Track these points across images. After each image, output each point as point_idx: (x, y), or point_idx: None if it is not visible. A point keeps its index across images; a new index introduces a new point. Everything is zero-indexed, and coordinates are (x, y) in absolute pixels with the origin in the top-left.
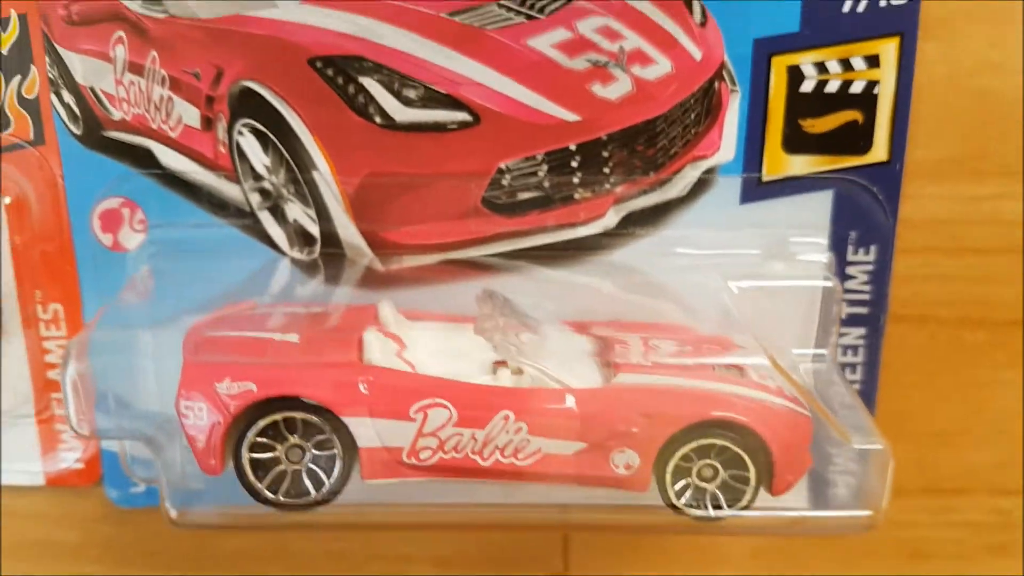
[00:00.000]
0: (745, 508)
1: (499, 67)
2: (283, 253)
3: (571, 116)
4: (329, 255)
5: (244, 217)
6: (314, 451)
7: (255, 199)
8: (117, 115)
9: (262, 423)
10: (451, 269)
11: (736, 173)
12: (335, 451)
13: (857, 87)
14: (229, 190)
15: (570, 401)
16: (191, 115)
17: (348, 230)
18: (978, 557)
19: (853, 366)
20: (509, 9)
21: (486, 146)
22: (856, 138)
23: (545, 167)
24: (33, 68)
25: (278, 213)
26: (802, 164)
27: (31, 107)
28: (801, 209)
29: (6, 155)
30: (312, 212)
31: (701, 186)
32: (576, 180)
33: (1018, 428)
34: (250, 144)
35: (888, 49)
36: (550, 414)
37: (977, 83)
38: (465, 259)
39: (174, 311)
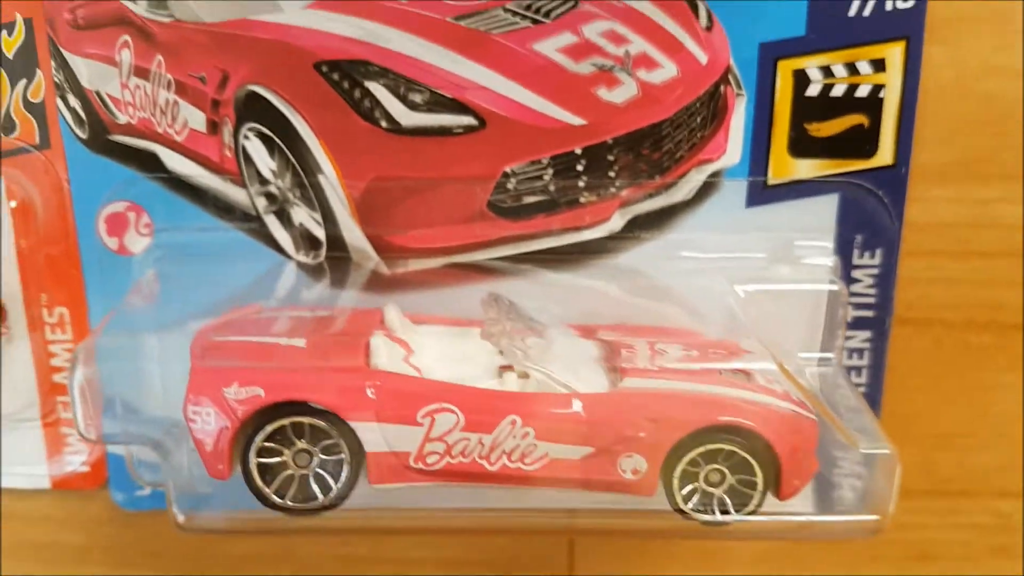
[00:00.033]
0: (752, 513)
1: (505, 71)
2: (289, 257)
3: (576, 120)
4: (335, 259)
5: (250, 221)
6: (321, 456)
7: (261, 203)
8: (123, 119)
9: (270, 428)
10: (456, 273)
11: (742, 177)
12: (342, 456)
13: (863, 91)
14: (235, 194)
15: (577, 406)
16: (197, 119)
17: (354, 234)
18: (982, 559)
19: (858, 369)
20: (515, 13)
21: (492, 150)
22: (862, 142)
23: (551, 171)
24: (39, 72)
25: (284, 217)
26: (808, 168)
27: (37, 111)
28: (807, 213)
29: (12, 159)
30: (318, 216)
31: (707, 190)
32: (582, 184)
33: (1019, 431)
34: (256, 148)
35: (894, 53)
36: (557, 419)
37: (983, 87)
38: (470, 263)
39: (180, 315)
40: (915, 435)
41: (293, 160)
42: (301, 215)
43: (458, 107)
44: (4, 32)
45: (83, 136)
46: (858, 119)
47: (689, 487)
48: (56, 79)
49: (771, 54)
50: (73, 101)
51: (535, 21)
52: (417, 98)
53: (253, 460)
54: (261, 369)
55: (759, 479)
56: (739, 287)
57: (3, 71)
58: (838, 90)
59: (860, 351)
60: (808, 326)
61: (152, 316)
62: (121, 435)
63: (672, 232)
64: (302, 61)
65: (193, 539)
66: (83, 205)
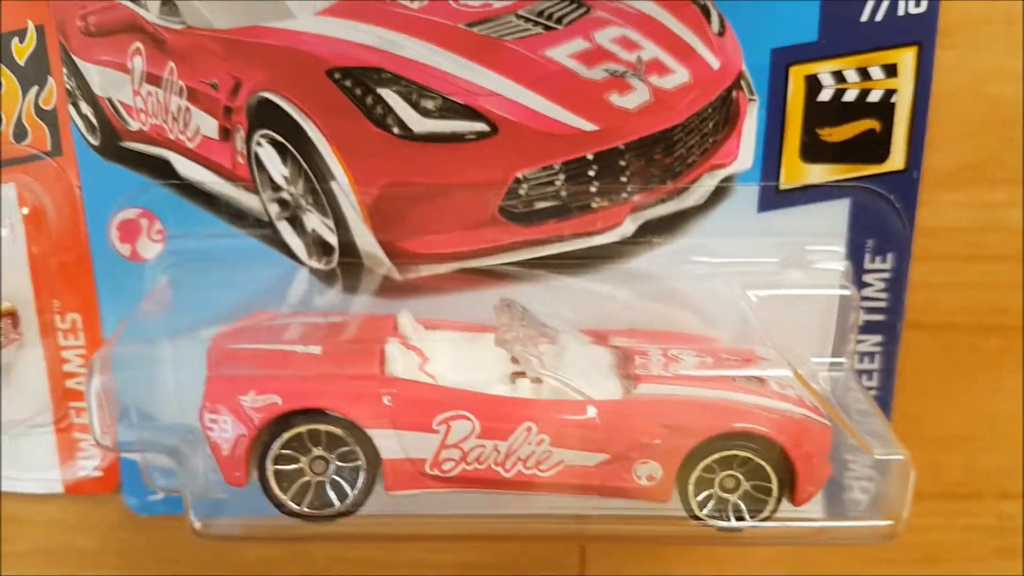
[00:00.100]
0: (767, 519)
1: (517, 78)
2: (301, 263)
3: (588, 125)
4: (347, 264)
5: (262, 227)
6: (338, 463)
7: (273, 209)
8: (135, 126)
9: (287, 435)
10: (468, 278)
11: (754, 182)
12: (359, 463)
13: (875, 96)
14: (247, 200)
15: (592, 412)
16: (209, 126)
17: (366, 239)
18: (989, 560)
19: (869, 373)
20: (527, 20)
21: (503, 156)
22: (874, 147)
23: (562, 176)
24: (50, 79)
25: (296, 223)
26: (820, 173)
27: (48, 118)
28: (818, 217)
29: (24, 166)
30: (330, 222)
31: (719, 194)
32: (593, 189)
33: (1019, 433)
34: (268, 155)
35: (906, 58)
36: (572, 425)
37: (994, 91)
38: (482, 268)
39: (193, 322)
40: (925, 437)
41: (305, 166)
42: (313, 221)
43: (470, 113)
44: (16, 39)
45: (95, 143)
46: (870, 124)
47: (704, 493)
48: (68, 86)
49: (783, 59)
50: (85, 108)
51: (547, 27)
52: (429, 104)
53: (270, 467)
54: (277, 377)
55: (774, 485)
56: (751, 292)
57: (15, 78)
58: (850, 95)
59: (871, 355)
60: (820, 330)
61: (165, 323)
62: (137, 443)
63: (684, 237)
64: (314, 68)
65: (205, 543)
66: (95, 212)
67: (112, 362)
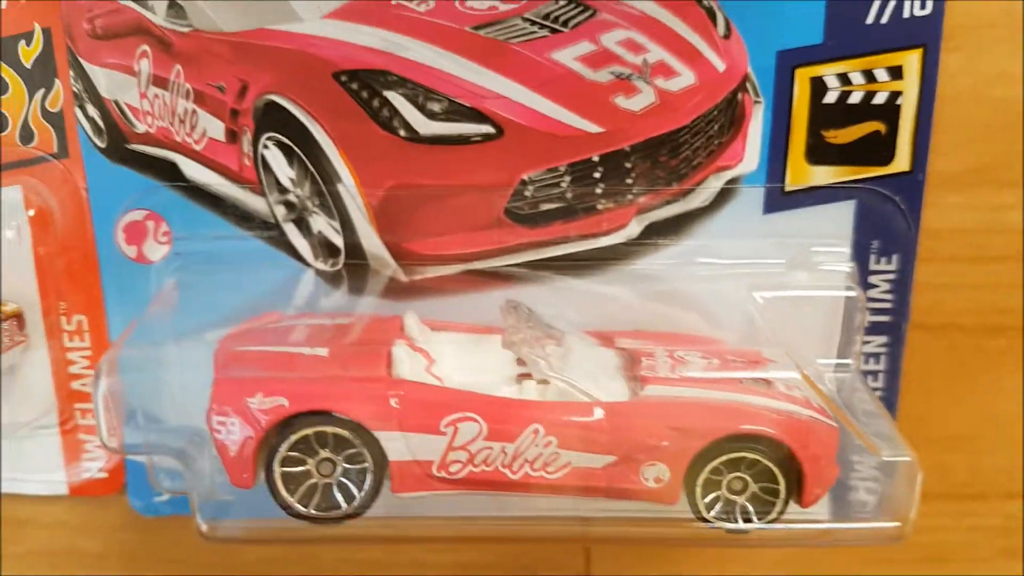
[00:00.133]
0: (774, 520)
1: (523, 80)
2: (308, 265)
3: (594, 128)
4: (353, 266)
5: (269, 229)
6: (345, 465)
7: (280, 211)
8: (141, 128)
9: (294, 437)
10: (474, 279)
11: (759, 183)
12: (366, 465)
13: (880, 98)
14: (254, 202)
15: (599, 414)
16: (216, 128)
17: (372, 241)
18: (994, 560)
19: (875, 374)
20: (533, 23)
21: (509, 158)
22: (879, 148)
23: (568, 178)
24: (57, 82)
25: (303, 225)
26: (825, 174)
27: (55, 120)
28: (824, 219)
29: (30, 168)
30: (336, 224)
31: (724, 196)
32: (599, 191)
33: (1019, 433)
34: (275, 157)
35: (911, 60)
36: (580, 427)
37: (999, 94)
38: (488, 270)
39: (199, 323)
40: (930, 438)
41: (312, 169)
42: (320, 223)
43: (476, 116)
44: (22, 42)
45: (102, 145)
46: (875, 126)
47: (712, 495)
48: (75, 88)
49: (789, 62)
50: (92, 110)
51: (553, 30)
52: (435, 107)
53: (277, 469)
54: (285, 379)
55: (781, 487)
56: (757, 293)
57: (21, 80)
58: (855, 97)
59: (877, 356)
60: (825, 332)
61: (172, 324)
62: (144, 445)
63: (689, 238)
64: (321, 71)
65: (210, 545)
66: (102, 214)
67: (119, 365)
